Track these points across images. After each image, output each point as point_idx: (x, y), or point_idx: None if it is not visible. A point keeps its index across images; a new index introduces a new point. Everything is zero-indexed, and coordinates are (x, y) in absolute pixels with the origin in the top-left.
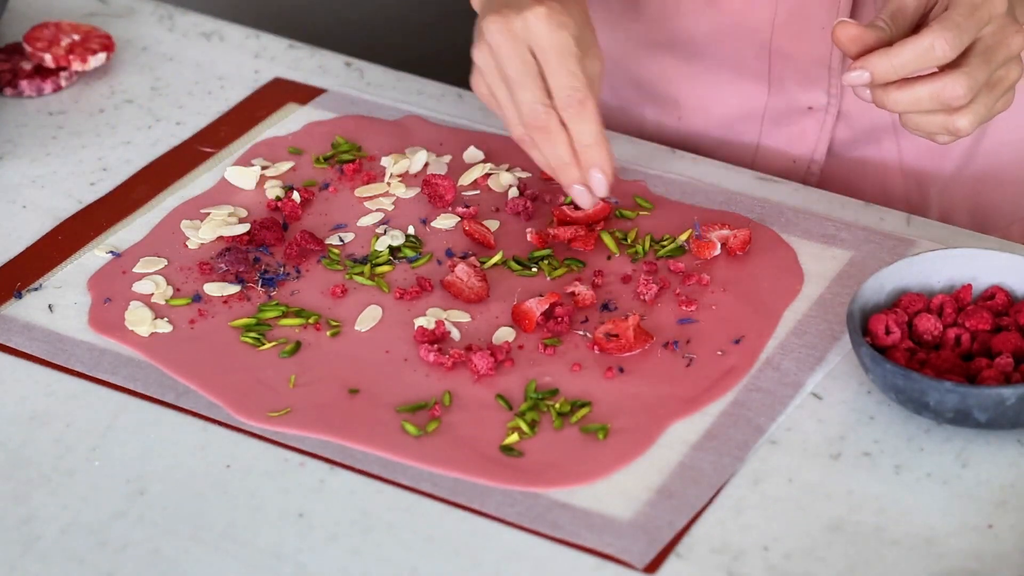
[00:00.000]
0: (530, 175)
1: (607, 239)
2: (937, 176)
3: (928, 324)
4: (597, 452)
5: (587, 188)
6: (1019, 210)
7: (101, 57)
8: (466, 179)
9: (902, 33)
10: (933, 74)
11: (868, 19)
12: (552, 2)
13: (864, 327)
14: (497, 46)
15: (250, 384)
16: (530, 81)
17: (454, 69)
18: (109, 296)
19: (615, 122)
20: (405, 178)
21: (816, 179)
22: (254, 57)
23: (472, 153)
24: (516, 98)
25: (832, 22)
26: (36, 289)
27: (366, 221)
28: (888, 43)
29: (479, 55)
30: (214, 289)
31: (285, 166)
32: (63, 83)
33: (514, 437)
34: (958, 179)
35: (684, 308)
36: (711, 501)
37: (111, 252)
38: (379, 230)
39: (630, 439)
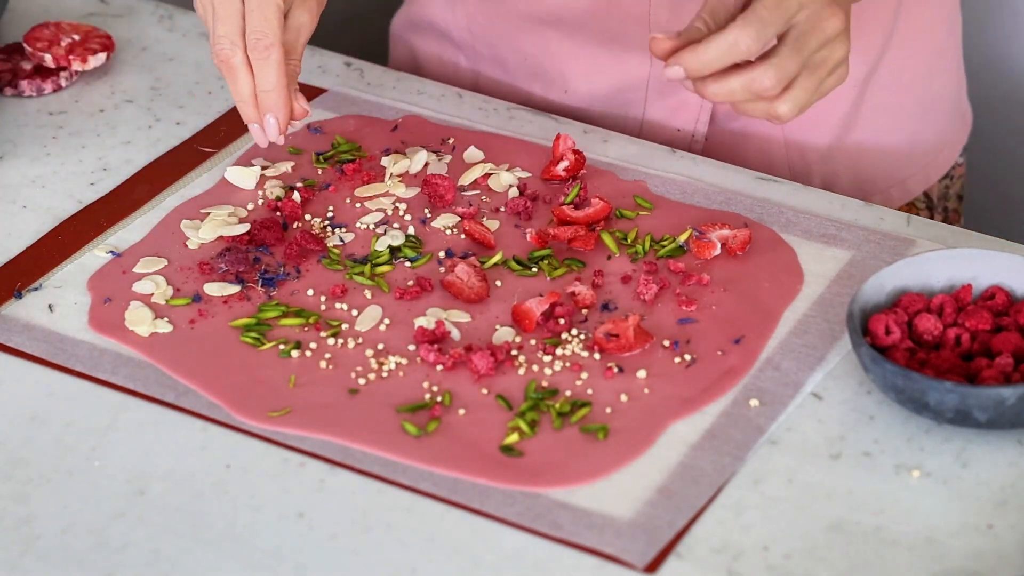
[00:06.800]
0: (530, 175)
1: (607, 239)
2: (817, 144)
3: (928, 324)
4: (597, 452)
5: (262, 128)
6: (898, 173)
7: (101, 57)
8: (466, 179)
9: (723, 28)
10: (745, 65)
11: None
12: None
13: (864, 327)
14: None
15: (250, 384)
16: (229, 16)
17: None
18: (109, 296)
19: (507, 97)
20: (405, 178)
21: (700, 147)
22: None
23: (472, 153)
24: (214, 29)
25: None
26: (36, 289)
27: (366, 221)
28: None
29: None
30: (214, 289)
31: (285, 166)
32: (63, 83)
33: (514, 437)
34: (838, 146)
35: (684, 308)
36: (711, 501)
37: (111, 252)
38: (379, 230)
39: (630, 439)
